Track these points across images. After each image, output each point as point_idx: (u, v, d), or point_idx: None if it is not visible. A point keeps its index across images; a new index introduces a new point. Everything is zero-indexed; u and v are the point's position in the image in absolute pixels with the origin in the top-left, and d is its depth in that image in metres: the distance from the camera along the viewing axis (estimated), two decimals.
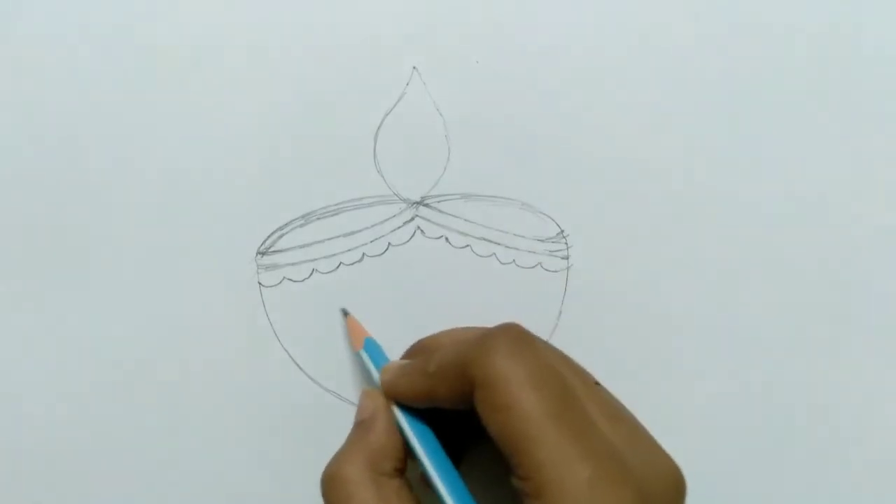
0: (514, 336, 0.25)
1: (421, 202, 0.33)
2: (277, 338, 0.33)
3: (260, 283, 0.33)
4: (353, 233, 0.33)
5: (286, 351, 0.33)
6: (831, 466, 0.34)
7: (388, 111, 0.33)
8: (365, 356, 0.30)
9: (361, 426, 0.28)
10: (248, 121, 0.33)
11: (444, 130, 0.33)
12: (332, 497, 0.26)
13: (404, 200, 0.33)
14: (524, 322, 0.33)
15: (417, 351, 0.30)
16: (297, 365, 0.33)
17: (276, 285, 0.33)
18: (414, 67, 0.33)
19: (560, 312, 0.33)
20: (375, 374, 0.29)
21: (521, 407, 0.23)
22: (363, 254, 0.33)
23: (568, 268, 0.34)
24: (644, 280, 0.34)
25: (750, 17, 0.34)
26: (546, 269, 0.33)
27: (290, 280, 0.33)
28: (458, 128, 0.33)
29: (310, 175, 0.33)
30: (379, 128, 0.33)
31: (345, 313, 0.32)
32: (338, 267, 0.33)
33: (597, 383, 0.26)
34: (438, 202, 0.33)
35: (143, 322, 0.32)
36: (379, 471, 0.26)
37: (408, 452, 0.27)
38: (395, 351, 0.31)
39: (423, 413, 0.27)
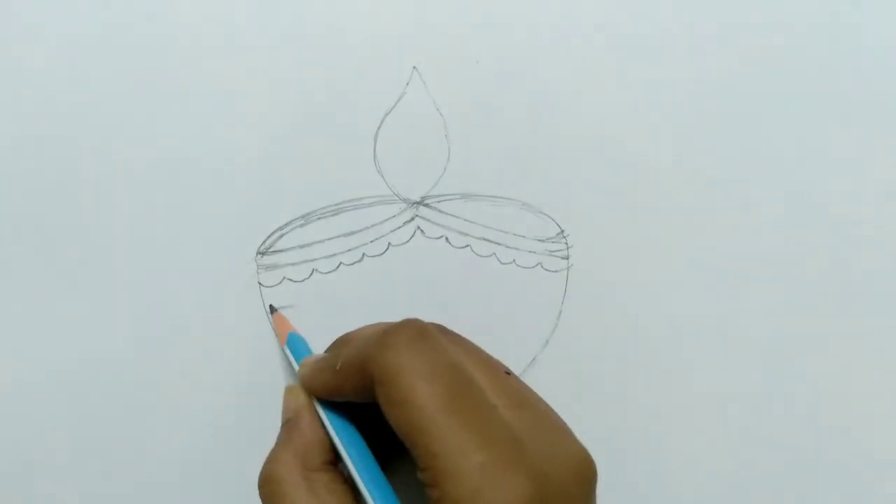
0: (412, 331, 0.25)
1: (421, 202, 0.33)
2: (278, 338, 0.33)
3: (260, 283, 0.33)
4: (353, 233, 0.33)
5: (286, 351, 0.33)
6: (832, 466, 0.34)
7: (388, 111, 0.33)
8: (287, 351, 0.31)
9: (287, 425, 0.28)
10: (249, 121, 0.33)
11: (444, 130, 0.33)
12: (266, 499, 0.27)
13: (404, 200, 0.33)
14: (524, 322, 0.33)
15: (336, 344, 0.30)
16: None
17: (276, 285, 0.33)
18: (414, 67, 0.33)
19: (560, 312, 0.33)
20: (297, 369, 0.30)
21: (415, 400, 0.23)
22: (363, 254, 0.33)
23: (568, 268, 0.34)
24: (644, 280, 0.34)
25: (751, 16, 0.34)
26: (546, 269, 0.33)
27: (290, 280, 0.33)
28: (458, 128, 0.33)
29: (310, 175, 0.33)
30: (379, 128, 0.33)
31: (272, 310, 0.32)
32: (338, 267, 0.33)
33: (508, 373, 0.27)
34: (438, 202, 0.33)
35: (143, 322, 0.32)
36: (308, 467, 0.27)
37: None
38: None
39: (355, 404, 0.28)
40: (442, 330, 0.27)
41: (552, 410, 0.26)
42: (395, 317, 0.33)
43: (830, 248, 0.34)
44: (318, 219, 0.33)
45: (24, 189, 0.32)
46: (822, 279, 0.34)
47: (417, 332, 0.25)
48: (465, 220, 0.33)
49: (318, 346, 0.32)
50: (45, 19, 0.33)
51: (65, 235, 0.32)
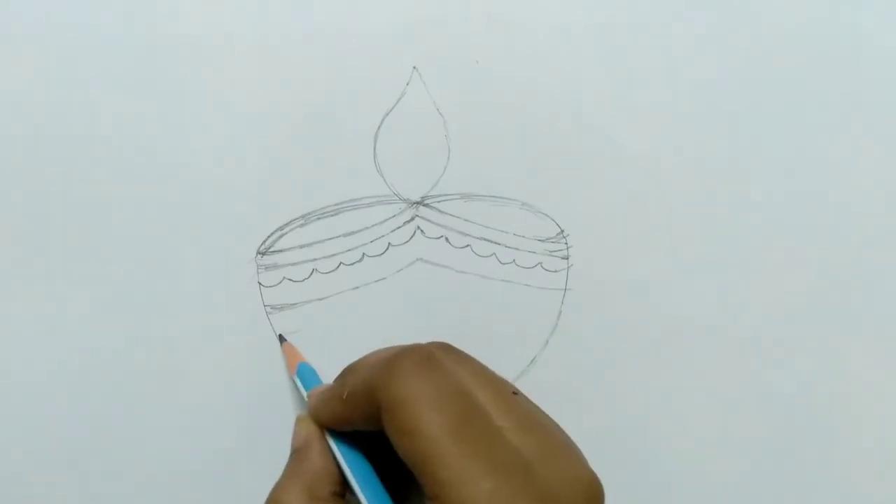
0: (419, 358, 0.25)
1: (421, 202, 0.33)
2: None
3: (260, 283, 0.33)
4: (353, 233, 0.33)
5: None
6: (831, 466, 0.34)
7: (388, 111, 0.33)
8: (297, 382, 0.31)
9: (297, 454, 0.28)
10: (249, 121, 0.33)
11: (444, 130, 0.33)
12: None
13: (404, 200, 0.33)
14: (523, 322, 0.33)
15: (343, 374, 0.30)
16: None
17: (276, 285, 0.33)
18: (414, 67, 0.33)
19: (560, 312, 0.33)
20: (306, 400, 0.30)
21: (422, 428, 0.23)
22: (363, 254, 0.33)
23: (568, 268, 0.34)
24: (644, 280, 0.34)
25: (751, 16, 0.34)
26: (546, 269, 0.33)
27: (290, 280, 0.33)
28: (458, 128, 0.33)
29: (310, 175, 0.33)
30: (379, 128, 0.33)
31: (281, 339, 0.32)
32: (338, 267, 0.33)
33: (515, 392, 0.26)
34: (438, 202, 0.33)
35: (143, 322, 0.32)
36: (316, 497, 0.27)
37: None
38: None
39: (365, 433, 0.28)
40: (447, 350, 0.27)
41: (560, 430, 0.26)
42: (395, 316, 0.33)
43: (830, 248, 0.34)
44: (318, 219, 0.33)
45: (24, 189, 0.32)
46: (822, 278, 0.34)
47: (423, 358, 0.25)
48: (465, 220, 0.33)
49: (320, 347, 0.32)
50: (45, 19, 0.33)
51: (64, 235, 0.32)
